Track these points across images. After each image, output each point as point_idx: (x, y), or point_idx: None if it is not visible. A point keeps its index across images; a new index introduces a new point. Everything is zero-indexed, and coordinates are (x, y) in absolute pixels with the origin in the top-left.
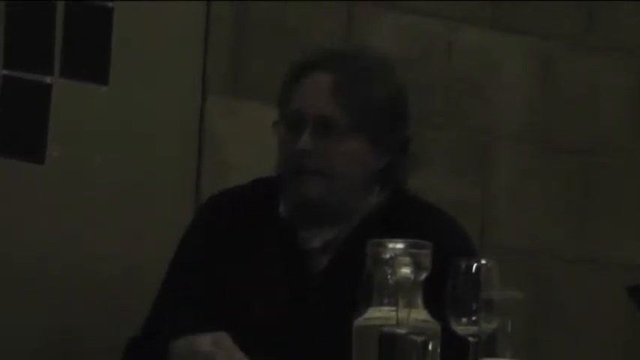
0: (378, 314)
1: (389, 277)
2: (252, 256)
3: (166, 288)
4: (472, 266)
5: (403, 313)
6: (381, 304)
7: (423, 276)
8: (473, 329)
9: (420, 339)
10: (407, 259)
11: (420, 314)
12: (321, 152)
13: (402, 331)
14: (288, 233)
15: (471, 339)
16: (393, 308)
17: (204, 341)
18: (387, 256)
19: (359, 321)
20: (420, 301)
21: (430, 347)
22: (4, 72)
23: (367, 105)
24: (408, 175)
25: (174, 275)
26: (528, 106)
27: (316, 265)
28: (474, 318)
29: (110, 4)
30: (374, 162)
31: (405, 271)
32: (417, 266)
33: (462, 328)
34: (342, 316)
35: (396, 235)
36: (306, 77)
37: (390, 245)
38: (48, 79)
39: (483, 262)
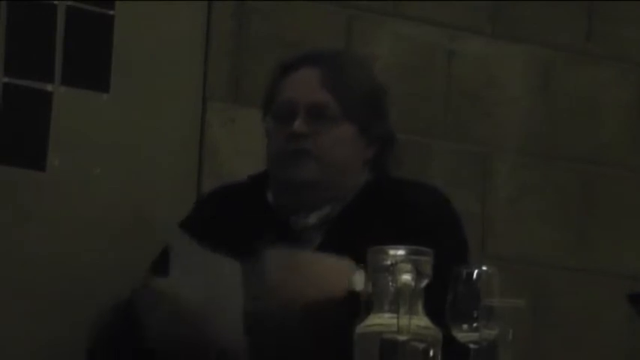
0: (379, 321)
1: (390, 283)
2: (245, 244)
3: None
4: (473, 273)
5: (404, 320)
6: (382, 310)
7: (424, 283)
8: (474, 336)
9: (421, 346)
10: (408, 266)
11: (421, 321)
12: (315, 136)
13: (403, 338)
14: (277, 217)
15: (471, 346)
16: (394, 315)
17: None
18: (388, 262)
19: (360, 328)
20: (421, 307)
21: (431, 354)
22: (5, 80)
23: (354, 94)
24: (395, 170)
25: None
26: (528, 116)
27: (311, 242)
28: (474, 325)
29: (111, 11)
30: (362, 150)
31: (406, 277)
32: (418, 273)
33: (463, 334)
34: None
35: (386, 210)
36: (294, 72)
37: (391, 252)
38: (49, 87)
39: (484, 268)
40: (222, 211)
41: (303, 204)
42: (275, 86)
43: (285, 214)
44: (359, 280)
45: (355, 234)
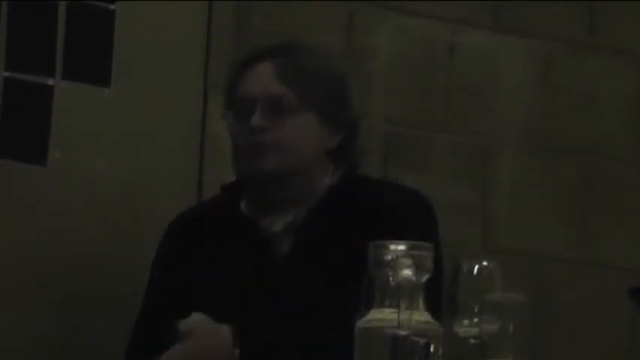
0: (380, 316)
1: (390, 278)
2: (220, 258)
3: (145, 318)
4: (474, 268)
5: (405, 315)
6: (383, 305)
7: (425, 277)
8: (474, 331)
9: (422, 340)
10: (408, 261)
11: (421, 316)
12: (274, 128)
13: (403, 332)
14: (249, 226)
15: (472, 341)
16: (395, 310)
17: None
18: (389, 257)
19: (361, 323)
20: (421, 302)
21: (432, 349)
22: (6, 74)
23: (312, 83)
24: (359, 160)
25: (151, 305)
26: (529, 109)
27: (280, 249)
28: (475, 320)
29: (111, 6)
30: (325, 140)
31: (407, 272)
32: (418, 268)
33: (464, 329)
34: (309, 294)
35: (354, 213)
36: (249, 68)
37: (392, 247)
38: (50, 81)
39: (485, 263)
40: (194, 228)
41: (271, 206)
42: (233, 84)
43: (256, 221)
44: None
45: (325, 240)
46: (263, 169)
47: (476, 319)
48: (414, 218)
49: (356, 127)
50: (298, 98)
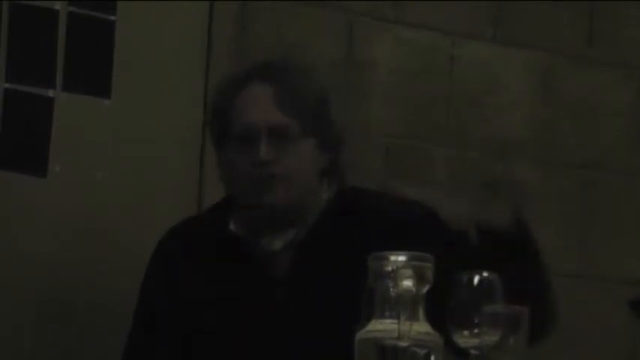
0: (380, 327)
1: (391, 289)
2: (212, 277)
3: (137, 335)
4: (474, 279)
5: (405, 326)
6: (383, 316)
7: (425, 288)
8: (475, 342)
9: (422, 352)
10: (409, 272)
11: (422, 327)
12: (281, 160)
13: (403, 344)
14: (241, 245)
15: (472, 352)
16: (395, 321)
17: None
18: (389, 268)
19: (361, 334)
20: (422, 313)
21: None
22: (7, 86)
23: (307, 106)
24: (346, 172)
25: (142, 322)
26: (529, 120)
27: (280, 267)
28: (476, 331)
29: (112, 17)
30: (320, 160)
31: (407, 283)
32: (418, 278)
33: (464, 340)
34: (314, 310)
35: (353, 224)
36: (243, 91)
37: (392, 258)
38: (50, 93)
39: (485, 274)
40: (185, 246)
41: (268, 229)
42: (227, 107)
43: (249, 242)
44: None
45: (328, 254)
46: (274, 203)
47: (476, 330)
48: (414, 227)
49: (343, 143)
50: (301, 125)
